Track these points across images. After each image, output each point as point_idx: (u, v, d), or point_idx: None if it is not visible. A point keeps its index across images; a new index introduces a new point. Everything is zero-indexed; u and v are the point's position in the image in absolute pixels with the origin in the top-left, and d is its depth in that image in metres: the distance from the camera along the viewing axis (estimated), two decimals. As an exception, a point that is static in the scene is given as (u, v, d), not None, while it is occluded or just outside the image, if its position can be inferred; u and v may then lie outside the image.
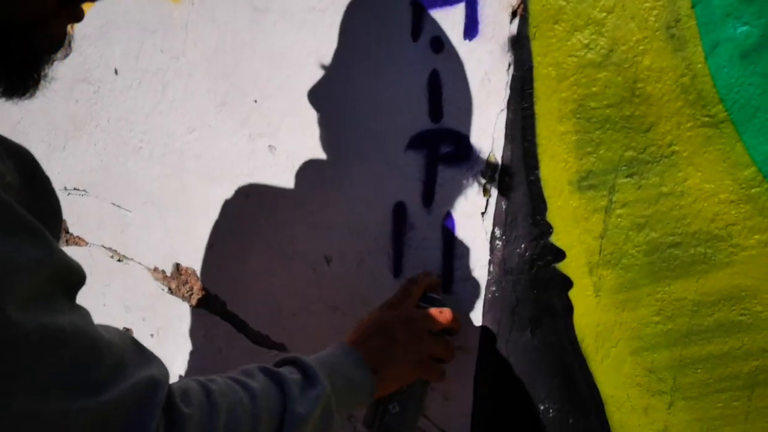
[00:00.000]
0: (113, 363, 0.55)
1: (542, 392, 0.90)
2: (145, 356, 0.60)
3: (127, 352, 0.57)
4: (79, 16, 0.64)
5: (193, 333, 1.30)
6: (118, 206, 1.35)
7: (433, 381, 0.88)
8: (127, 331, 1.42)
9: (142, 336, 1.40)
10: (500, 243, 0.88)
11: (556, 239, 0.83)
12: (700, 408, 0.78)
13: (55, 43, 0.63)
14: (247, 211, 1.14)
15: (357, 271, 1.04)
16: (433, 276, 0.92)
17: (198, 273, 1.26)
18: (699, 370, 0.77)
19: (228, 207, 1.17)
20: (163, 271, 1.31)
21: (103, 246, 1.40)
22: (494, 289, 0.90)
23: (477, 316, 0.92)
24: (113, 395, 0.53)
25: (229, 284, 1.22)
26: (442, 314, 0.85)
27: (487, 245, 0.89)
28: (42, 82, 0.63)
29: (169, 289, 1.31)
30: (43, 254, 0.50)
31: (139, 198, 1.30)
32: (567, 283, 0.84)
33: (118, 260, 1.38)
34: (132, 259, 1.36)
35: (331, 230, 1.06)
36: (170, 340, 1.34)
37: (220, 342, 1.26)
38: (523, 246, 0.86)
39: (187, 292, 1.29)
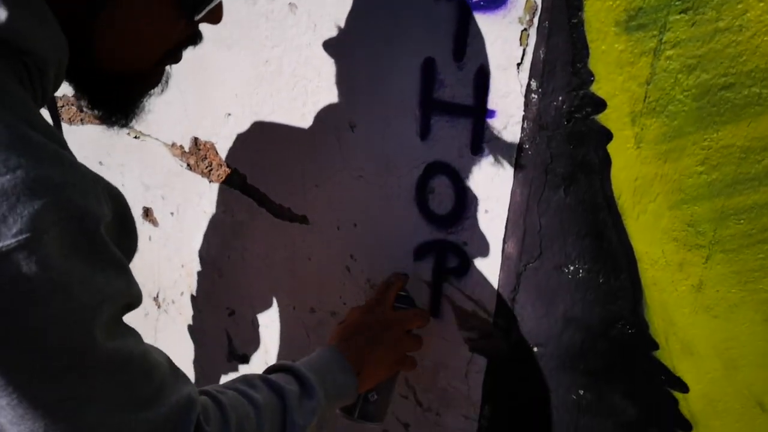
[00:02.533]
0: (160, 381, 0.62)
1: (573, 252, 0.89)
2: (180, 375, 0.67)
3: (168, 372, 0.65)
4: (178, 60, 0.74)
5: (213, 209, 1.29)
6: (132, 80, 1.31)
7: (406, 371, 0.98)
8: (148, 210, 1.41)
9: (162, 215, 1.40)
10: (536, 96, 0.84)
11: (597, 88, 0.79)
12: (739, 260, 0.76)
13: (154, 85, 0.74)
14: (267, 79, 1.10)
15: (382, 136, 1.00)
16: (403, 276, 1.01)
17: (217, 147, 1.23)
18: (741, 221, 0.74)
19: (246, 75, 1.12)
20: (182, 147, 1.28)
21: (119, 123, 1.37)
22: (527, 146, 0.87)
23: (508, 175, 0.89)
24: (164, 410, 0.61)
25: (250, 157, 1.20)
26: (418, 316, 0.97)
27: (522, 100, 0.85)
28: (138, 113, 0.74)
29: (188, 165, 1.29)
30: (125, 287, 0.58)
31: (154, 70, 1.25)
32: (606, 135, 0.80)
33: (135, 137, 1.35)
34: (149, 136, 1.33)
35: (354, 94, 1.01)
36: (190, 218, 1.34)
37: (241, 216, 1.25)
38: (560, 98, 0.82)
39: (206, 167, 1.26)
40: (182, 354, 1.50)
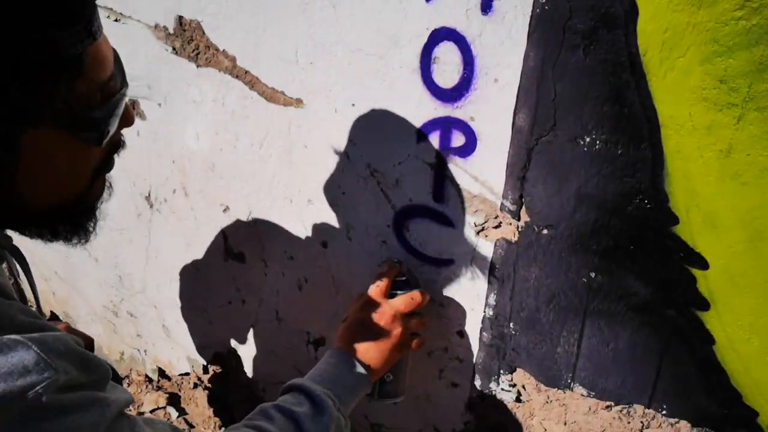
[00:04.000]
0: None
1: (589, 122, 0.82)
2: None
3: None
4: (111, 168, 0.76)
5: (203, 97, 1.21)
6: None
7: (414, 351, 1.03)
8: (134, 103, 1.33)
9: (148, 107, 1.32)
10: (555, -60, 0.75)
11: (626, -75, 0.70)
12: (774, 118, 0.69)
13: (99, 196, 0.76)
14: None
15: (383, 3, 0.91)
16: (396, 264, 1.05)
17: (203, 26, 1.14)
18: (782, 72, 0.67)
19: (232, -60, 1.02)
20: (165, 28, 1.19)
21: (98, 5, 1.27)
22: (544, 1, 0.78)
23: (521, 37, 0.81)
24: None
25: (239, 36, 1.11)
26: (413, 299, 1.00)
27: (539, -54, 0.76)
28: (93, 228, 0.76)
29: (173, 49, 1.20)
30: (98, 416, 0.63)
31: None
32: (633, -20, 0.72)
33: (116, 20, 1.26)
34: (130, 17, 1.24)
35: (352, -45, 0.92)
36: (178, 108, 1.26)
37: (232, 104, 1.17)
38: (583, -60, 0.73)
39: (193, 51, 1.18)
40: (177, 257, 1.46)
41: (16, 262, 0.82)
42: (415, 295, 1.00)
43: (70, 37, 0.61)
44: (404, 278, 1.03)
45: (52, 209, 0.71)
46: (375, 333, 0.96)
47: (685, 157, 0.77)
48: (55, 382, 0.58)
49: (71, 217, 0.74)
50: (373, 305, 0.99)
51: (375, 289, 1.01)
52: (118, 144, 0.76)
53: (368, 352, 0.95)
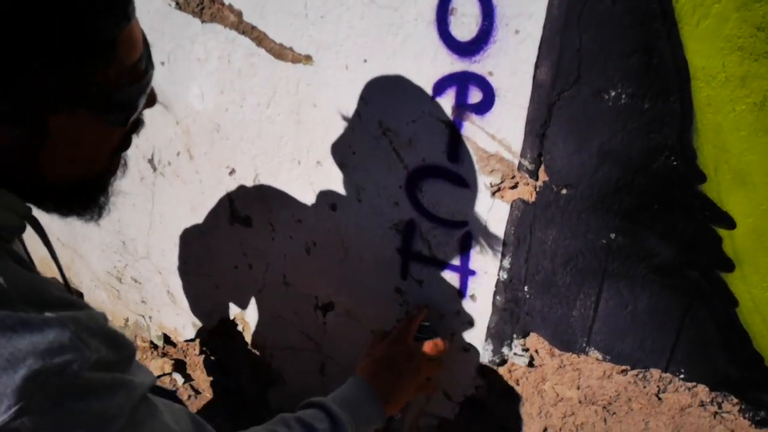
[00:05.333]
0: None
1: (616, 74, 0.78)
2: (207, 429, 0.77)
3: None
4: (128, 146, 0.75)
5: (207, 55, 1.17)
6: None
7: (427, 394, 1.10)
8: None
9: (151, 66, 1.27)
10: None
11: None
12: (814, 67, 0.66)
13: (113, 174, 0.76)
14: None
15: (397, -50, 0.87)
16: (424, 308, 1.11)
17: (208, -20, 1.09)
18: (825, 18, 0.63)
19: None
20: (168, -18, 1.14)
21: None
22: (570, -55, 0.74)
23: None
24: None
25: (245, -10, 1.06)
26: (437, 345, 1.05)
27: None
28: (105, 205, 0.76)
29: (177, 4, 1.16)
30: (125, 399, 0.63)
31: None
32: None
33: (116, -26, 1.21)
34: (131, -29, 1.19)
35: None
36: (182, 67, 1.22)
37: (238, 62, 1.13)
38: None
39: (197, 5, 1.13)
40: (181, 221, 1.44)
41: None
42: (440, 343, 1.05)
43: (109, 20, 0.60)
44: (428, 323, 1.08)
45: (70, 186, 0.71)
46: (398, 372, 1.01)
47: (716, 111, 0.74)
48: (88, 361, 0.59)
49: (87, 194, 0.74)
50: (401, 345, 1.04)
51: (404, 330, 1.06)
52: (138, 123, 0.76)
53: (389, 389, 0.99)
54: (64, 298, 0.63)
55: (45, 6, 0.55)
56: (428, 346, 1.04)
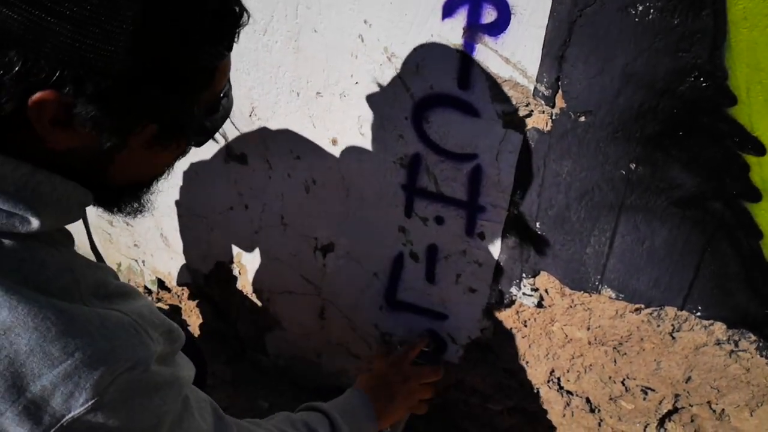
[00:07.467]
0: None
1: (644, -14, 0.72)
2: (226, 422, 0.81)
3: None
4: (184, 154, 0.74)
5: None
6: None
7: (417, 413, 1.17)
8: None
9: None
10: None
11: None
12: None
13: (158, 180, 0.76)
14: None
15: None
16: (426, 338, 1.20)
17: None
18: None
19: None
20: None
21: None
22: None
23: None
24: None
25: None
26: (434, 373, 1.17)
27: None
28: (150, 202, 0.77)
29: None
30: (176, 394, 0.68)
31: None
32: None
33: None
34: None
35: None
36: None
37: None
38: None
39: None
40: (175, 160, 1.38)
41: None
42: (437, 370, 1.17)
43: (216, 50, 0.62)
44: (428, 350, 1.18)
45: (124, 188, 0.72)
46: (394, 391, 1.11)
47: (753, 26, 0.68)
48: (153, 356, 0.63)
49: (137, 195, 0.76)
50: (401, 367, 1.14)
51: (405, 354, 1.16)
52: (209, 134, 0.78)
53: (383, 405, 1.08)
54: (122, 288, 0.67)
55: (164, 36, 0.56)
56: (427, 373, 1.15)
